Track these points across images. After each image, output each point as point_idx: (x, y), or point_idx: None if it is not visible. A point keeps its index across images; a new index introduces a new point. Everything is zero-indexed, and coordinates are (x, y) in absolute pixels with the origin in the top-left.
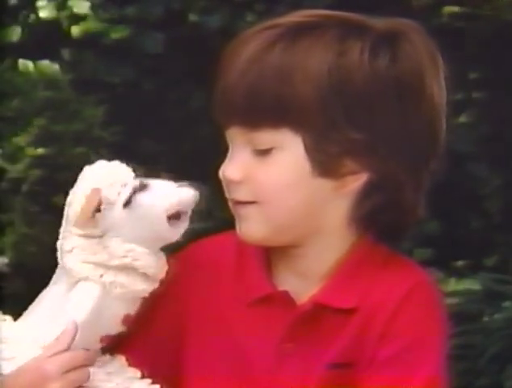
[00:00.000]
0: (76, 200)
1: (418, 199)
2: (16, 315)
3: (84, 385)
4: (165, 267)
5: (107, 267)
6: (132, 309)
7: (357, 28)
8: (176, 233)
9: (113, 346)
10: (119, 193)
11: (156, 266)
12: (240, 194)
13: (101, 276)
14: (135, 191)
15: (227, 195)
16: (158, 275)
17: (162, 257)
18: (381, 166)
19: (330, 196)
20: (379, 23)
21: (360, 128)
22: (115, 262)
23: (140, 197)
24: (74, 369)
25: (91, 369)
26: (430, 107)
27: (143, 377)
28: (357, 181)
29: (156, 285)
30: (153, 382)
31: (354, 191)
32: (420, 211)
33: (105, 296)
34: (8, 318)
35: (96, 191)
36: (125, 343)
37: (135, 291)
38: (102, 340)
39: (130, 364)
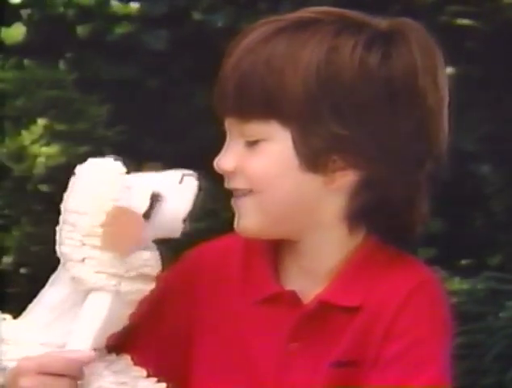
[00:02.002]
0: (90, 210)
1: (415, 200)
2: (20, 314)
3: (98, 383)
4: (160, 262)
5: (121, 277)
6: (135, 306)
7: (354, 25)
8: (181, 230)
9: (119, 345)
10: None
11: (158, 265)
12: (235, 183)
13: (114, 285)
14: (152, 203)
15: (226, 184)
16: (157, 272)
17: (156, 251)
18: (368, 164)
19: (321, 192)
20: (380, 22)
21: (346, 125)
22: (133, 273)
23: (158, 210)
24: (53, 374)
25: (98, 369)
26: (423, 108)
27: (148, 376)
28: (346, 177)
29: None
30: (159, 381)
31: (346, 187)
32: (423, 213)
33: (116, 302)
34: (8, 317)
35: (135, 215)
36: (131, 342)
37: (146, 293)
38: (108, 339)
39: (135, 364)
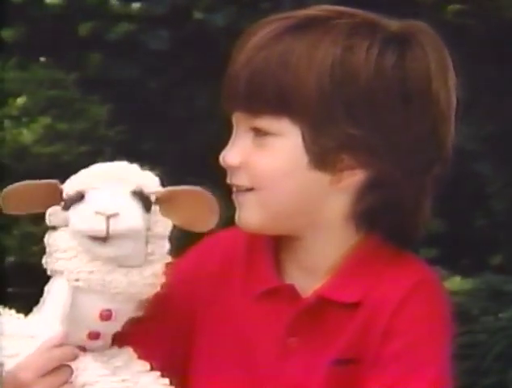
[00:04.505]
0: None
1: (420, 203)
2: (21, 314)
3: (89, 380)
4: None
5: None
6: (111, 304)
7: (368, 26)
8: (109, 252)
9: (125, 337)
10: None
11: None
12: (238, 179)
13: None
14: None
15: (228, 180)
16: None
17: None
18: (378, 165)
19: (327, 190)
20: (394, 23)
21: (359, 125)
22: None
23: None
24: (53, 369)
25: (84, 363)
26: (435, 112)
27: (152, 369)
28: (354, 177)
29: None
30: (162, 376)
31: (352, 187)
32: (426, 215)
33: (76, 290)
34: (13, 312)
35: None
36: (136, 336)
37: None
38: (90, 336)
39: (139, 357)
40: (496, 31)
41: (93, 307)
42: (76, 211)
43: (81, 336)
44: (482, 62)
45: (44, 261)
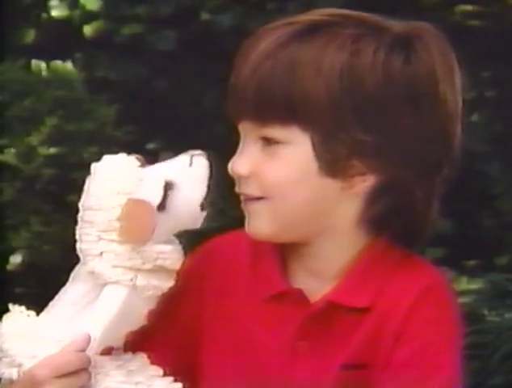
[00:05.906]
0: (106, 206)
1: (430, 204)
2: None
3: (104, 384)
4: (182, 257)
5: (138, 271)
6: (154, 303)
7: (373, 29)
8: (202, 219)
9: (136, 343)
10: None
11: (178, 259)
12: (248, 189)
13: (131, 279)
14: (165, 193)
15: (237, 189)
16: (178, 267)
17: (178, 246)
18: (390, 169)
19: (338, 196)
20: (397, 25)
21: (369, 130)
22: (149, 266)
23: (173, 199)
24: (69, 373)
25: (106, 369)
26: (443, 113)
27: (165, 375)
28: (365, 182)
29: (175, 277)
30: (175, 381)
31: (363, 192)
32: (433, 216)
33: (132, 297)
34: (32, 313)
35: (148, 205)
36: (148, 340)
37: (164, 289)
38: (126, 336)
39: (152, 362)
40: (504, 31)
41: (144, 309)
42: (183, 193)
43: (120, 337)
44: (489, 63)
45: (94, 267)
